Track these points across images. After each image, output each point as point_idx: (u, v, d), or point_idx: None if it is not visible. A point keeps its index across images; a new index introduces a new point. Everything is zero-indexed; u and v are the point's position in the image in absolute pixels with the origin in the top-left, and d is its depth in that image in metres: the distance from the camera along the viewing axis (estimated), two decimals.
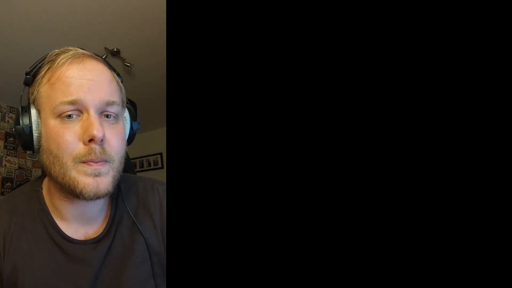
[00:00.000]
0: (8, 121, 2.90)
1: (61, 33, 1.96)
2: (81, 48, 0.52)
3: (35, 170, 3.10)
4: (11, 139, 2.92)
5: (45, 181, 0.56)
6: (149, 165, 3.63)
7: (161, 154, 3.53)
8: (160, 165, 3.53)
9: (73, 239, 0.52)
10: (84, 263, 0.51)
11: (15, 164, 2.94)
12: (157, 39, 2.02)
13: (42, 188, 0.56)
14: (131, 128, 0.58)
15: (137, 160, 3.67)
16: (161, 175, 3.42)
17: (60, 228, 0.53)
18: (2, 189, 2.78)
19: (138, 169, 3.63)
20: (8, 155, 2.90)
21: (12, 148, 2.91)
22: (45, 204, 0.54)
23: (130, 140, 0.58)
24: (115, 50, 2.13)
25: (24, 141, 0.50)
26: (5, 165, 2.87)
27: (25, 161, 3.02)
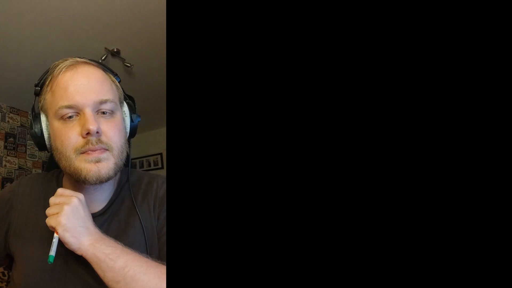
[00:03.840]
0: (8, 121, 2.90)
1: (61, 34, 1.96)
2: (79, 57, 0.60)
3: (35, 170, 3.10)
4: (11, 139, 2.92)
5: None
6: (149, 165, 3.63)
7: (161, 154, 3.53)
8: (160, 165, 3.53)
9: None
10: None
11: (15, 164, 2.94)
12: (157, 40, 2.02)
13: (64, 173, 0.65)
14: (131, 120, 0.65)
15: (137, 160, 3.67)
16: None
17: None
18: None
19: (138, 169, 3.63)
20: (8, 155, 2.90)
21: (12, 148, 2.91)
22: (61, 181, 0.65)
23: (132, 132, 0.66)
24: (115, 50, 2.13)
25: (38, 142, 0.60)
26: (5, 165, 2.87)
27: (25, 161, 3.02)
